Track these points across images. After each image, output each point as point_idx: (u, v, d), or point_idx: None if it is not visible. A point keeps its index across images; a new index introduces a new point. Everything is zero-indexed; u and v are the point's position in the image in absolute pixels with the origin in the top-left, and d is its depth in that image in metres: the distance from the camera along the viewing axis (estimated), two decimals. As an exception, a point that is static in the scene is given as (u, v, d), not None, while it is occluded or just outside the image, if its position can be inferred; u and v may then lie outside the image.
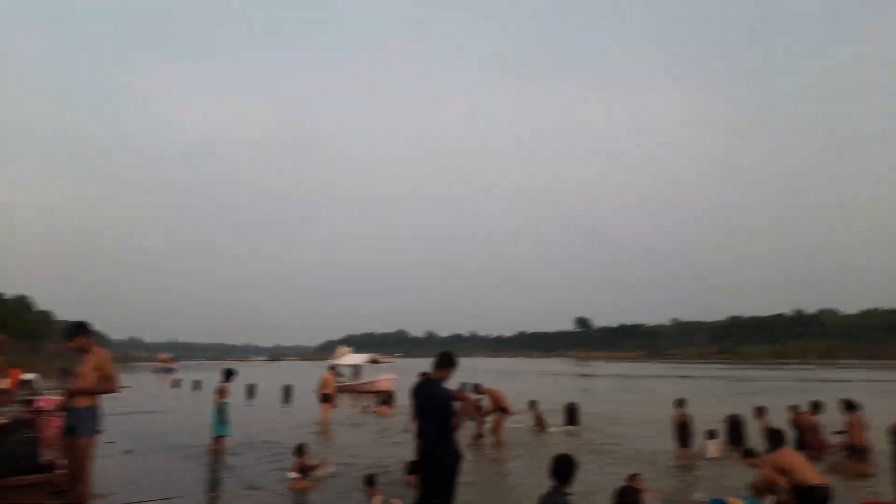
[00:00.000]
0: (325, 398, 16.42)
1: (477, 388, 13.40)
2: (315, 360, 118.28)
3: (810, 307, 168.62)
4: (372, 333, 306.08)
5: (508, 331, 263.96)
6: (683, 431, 10.91)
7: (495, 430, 12.60)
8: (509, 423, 14.06)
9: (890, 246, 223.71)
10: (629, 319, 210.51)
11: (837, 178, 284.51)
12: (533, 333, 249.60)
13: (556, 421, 15.36)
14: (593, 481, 8.53)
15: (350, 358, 33.81)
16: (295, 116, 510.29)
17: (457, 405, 5.47)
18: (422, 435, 5.32)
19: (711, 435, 10.93)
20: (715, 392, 29.03)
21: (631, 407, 21.06)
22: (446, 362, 5.43)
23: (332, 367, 19.78)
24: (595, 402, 23.39)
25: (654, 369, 64.70)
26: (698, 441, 11.06)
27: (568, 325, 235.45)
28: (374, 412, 18.92)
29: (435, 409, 5.25)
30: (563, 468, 3.81)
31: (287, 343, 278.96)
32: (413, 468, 8.37)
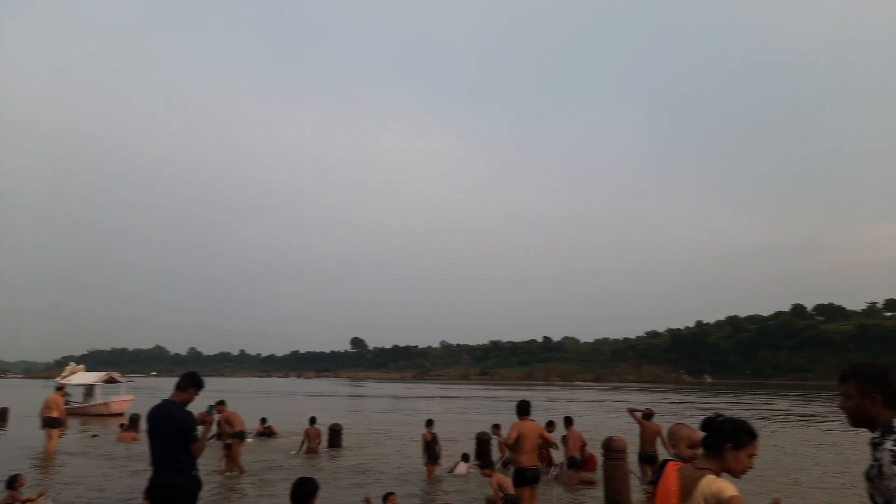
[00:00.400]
0: (50, 422, 14.08)
1: (217, 409, 12.27)
2: (46, 378, 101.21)
3: (556, 335, 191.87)
4: (125, 349, 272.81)
5: (280, 350, 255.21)
6: (431, 449, 11.37)
7: (232, 455, 11.49)
8: (266, 443, 13.30)
9: (614, 286, 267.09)
10: (402, 341, 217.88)
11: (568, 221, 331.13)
12: (307, 353, 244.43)
13: (321, 442, 15.10)
14: (345, 502, 8.45)
15: (81, 377, 29.48)
16: None
17: (199, 430, 4.96)
18: (156, 462, 4.76)
19: (464, 457, 11.75)
20: (474, 410, 31.17)
21: (396, 426, 21.56)
22: (189, 383, 4.96)
23: (61, 388, 17.09)
24: (362, 421, 23.58)
25: (422, 390, 67.49)
26: (450, 458, 11.72)
27: (343, 346, 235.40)
28: (118, 438, 16.68)
29: (172, 434, 4.73)
30: (301, 491, 3.70)
31: (11, 359, 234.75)
32: (147, 496, 7.50)
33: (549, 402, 37.49)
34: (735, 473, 2.69)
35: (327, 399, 46.08)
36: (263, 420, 18.27)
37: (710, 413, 2.87)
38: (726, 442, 2.66)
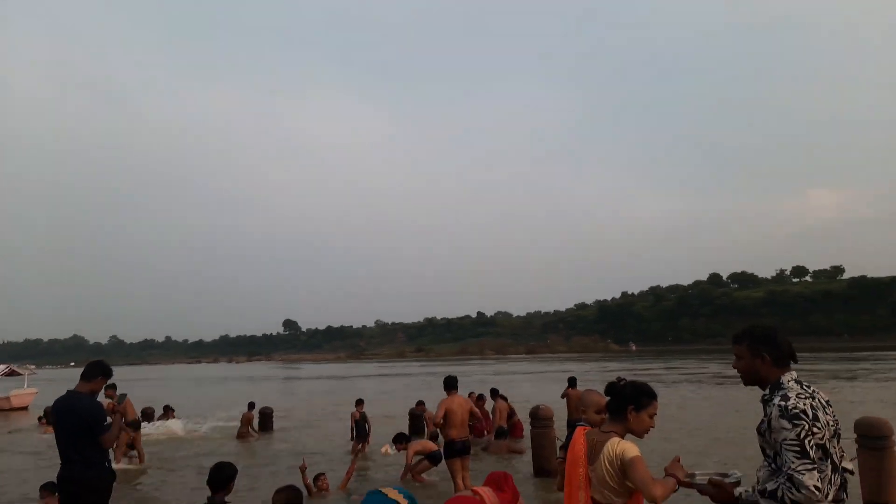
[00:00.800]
0: None
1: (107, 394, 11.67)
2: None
3: (489, 310, 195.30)
4: (39, 340, 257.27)
5: (209, 335, 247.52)
6: (360, 428, 11.42)
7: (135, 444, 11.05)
8: (205, 431, 12.93)
9: (545, 261, 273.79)
10: (335, 322, 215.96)
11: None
12: (237, 337, 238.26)
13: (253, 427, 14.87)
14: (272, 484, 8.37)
15: None
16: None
17: (109, 420, 4.74)
18: (63, 455, 4.55)
19: (397, 438, 11.86)
20: (410, 388, 31.41)
21: (331, 407, 21.47)
22: (96, 372, 4.72)
23: None
24: (296, 403, 23.33)
25: (359, 369, 67.33)
26: (386, 437, 11.79)
27: (276, 329, 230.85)
28: (44, 431, 15.90)
29: (79, 426, 4.51)
30: (218, 475, 3.66)
31: None
32: (51, 490, 7.17)
33: (484, 376, 38.27)
34: (638, 433, 2.85)
35: (264, 383, 45.23)
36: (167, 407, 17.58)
37: (614, 378, 3.02)
38: (628, 404, 2.82)
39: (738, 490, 2.44)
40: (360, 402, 11.64)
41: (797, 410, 2.38)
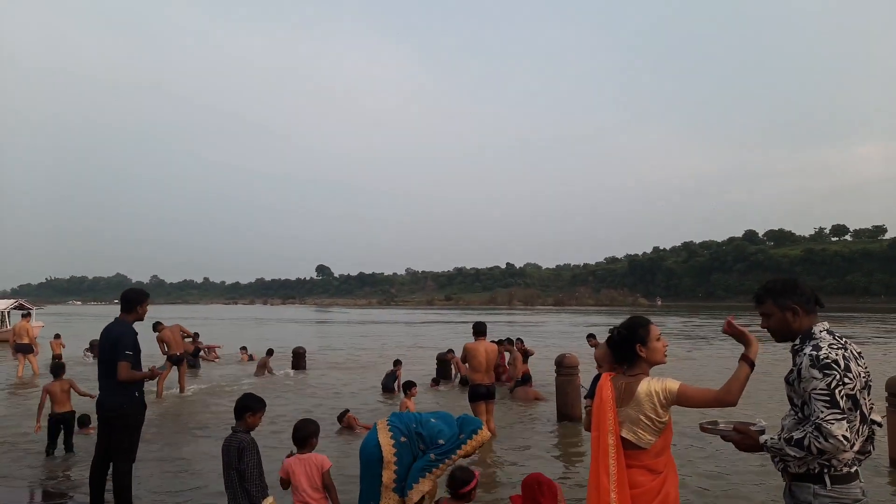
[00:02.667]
0: (22, 348, 14.52)
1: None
2: None
3: (519, 262, 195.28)
4: (84, 277, 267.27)
5: (245, 278, 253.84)
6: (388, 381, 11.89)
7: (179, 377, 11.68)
8: (237, 369, 13.45)
9: (576, 214, 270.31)
10: (367, 269, 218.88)
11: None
12: (272, 280, 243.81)
13: (285, 365, 15.45)
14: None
15: None
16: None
17: (133, 350, 4.74)
18: (101, 381, 4.76)
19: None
20: (442, 335, 31.96)
21: (362, 351, 22.01)
22: (129, 304, 4.85)
23: (28, 314, 16.88)
24: (329, 346, 23.98)
25: (389, 315, 68.56)
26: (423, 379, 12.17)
27: (309, 273, 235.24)
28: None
29: (111, 352, 4.65)
30: (241, 406, 3.82)
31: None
32: (85, 419, 7.60)
33: (508, 326, 38.65)
34: (659, 360, 2.85)
35: (299, 326, 46.49)
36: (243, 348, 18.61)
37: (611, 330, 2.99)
38: (634, 344, 2.83)
39: (762, 438, 2.45)
40: (398, 363, 12.30)
41: (829, 360, 2.36)
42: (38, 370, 14.43)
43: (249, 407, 3.82)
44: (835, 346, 2.42)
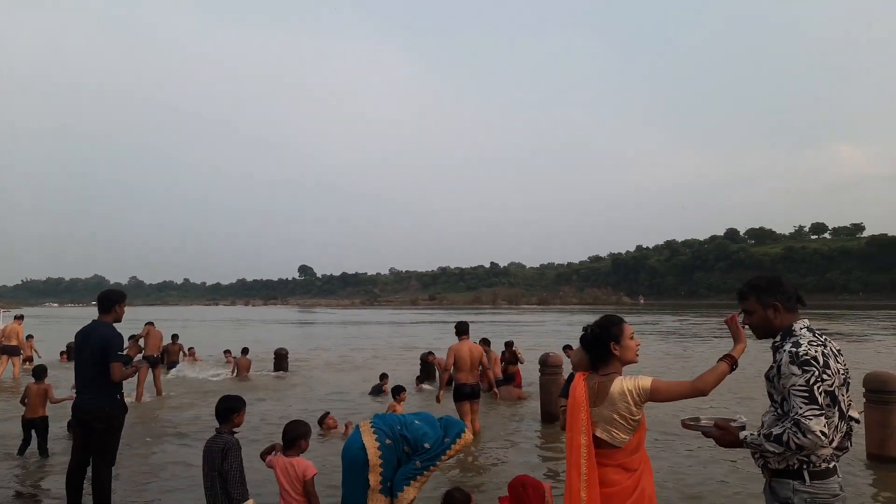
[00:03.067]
0: (10, 350, 14.47)
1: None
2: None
3: (503, 261, 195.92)
4: (61, 279, 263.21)
5: (226, 279, 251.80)
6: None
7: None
8: (218, 371, 13.34)
9: (559, 214, 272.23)
10: (350, 269, 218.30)
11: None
12: (253, 281, 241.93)
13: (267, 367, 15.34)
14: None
15: None
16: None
17: (125, 350, 4.83)
18: (78, 383, 4.71)
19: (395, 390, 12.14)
20: (431, 335, 31.94)
21: (347, 352, 21.92)
22: (106, 304, 4.81)
23: (20, 317, 16.81)
24: (316, 347, 23.84)
25: (373, 315, 68.36)
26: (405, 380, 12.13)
27: (291, 274, 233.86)
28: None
29: (91, 353, 4.60)
30: (224, 408, 3.77)
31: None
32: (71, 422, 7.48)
33: (491, 325, 38.75)
34: (631, 359, 2.88)
35: (281, 327, 46.18)
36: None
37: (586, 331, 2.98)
38: (608, 342, 2.84)
39: (742, 434, 2.48)
40: (384, 376, 11.96)
41: (808, 357, 2.39)
42: (19, 374, 14.26)
43: (234, 408, 3.79)
44: (814, 343, 2.45)
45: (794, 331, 2.53)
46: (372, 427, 3.76)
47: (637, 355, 2.91)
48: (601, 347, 2.86)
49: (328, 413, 8.00)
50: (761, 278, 2.73)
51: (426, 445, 3.67)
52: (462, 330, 7.75)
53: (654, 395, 2.69)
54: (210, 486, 3.62)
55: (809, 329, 2.54)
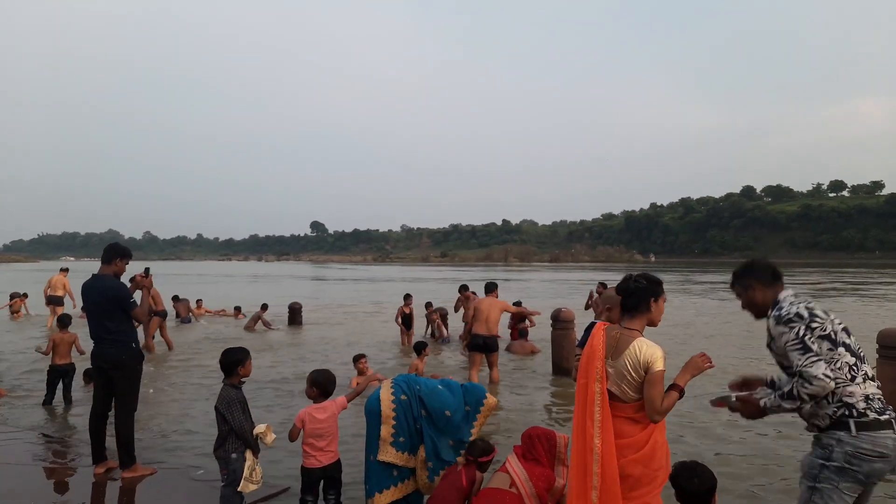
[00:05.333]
0: (55, 300, 15.29)
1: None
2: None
3: (515, 218, 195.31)
4: (76, 234, 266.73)
5: (239, 234, 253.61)
6: (407, 320, 12.34)
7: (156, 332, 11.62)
8: (228, 323, 13.51)
9: (572, 171, 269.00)
10: (362, 225, 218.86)
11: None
12: (266, 237, 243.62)
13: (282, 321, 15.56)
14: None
15: None
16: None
17: (137, 295, 4.94)
18: (93, 335, 4.81)
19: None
20: (436, 291, 32.17)
21: (360, 305, 22.15)
22: (113, 254, 4.90)
23: (66, 269, 17.81)
24: (324, 302, 24.10)
25: (385, 272, 68.82)
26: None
27: (303, 230, 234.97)
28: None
29: (105, 305, 4.71)
30: (229, 361, 3.82)
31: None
32: (88, 372, 7.67)
33: (504, 282, 38.88)
34: (657, 321, 2.91)
35: (296, 281, 46.66)
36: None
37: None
38: (650, 296, 2.86)
39: (762, 401, 2.58)
40: (408, 297, 12.57)
41: (790, 315, 2.54)
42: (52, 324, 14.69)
43: (239, 360, 3.83)
44: (795, 303, 2.59)
45: (778, 300, 2.68)
46: (392, 383, 3.85)
47: (659, 321, 2.95)
48: (640, 299, 2.86)
49: (363, 355, 8.03)
50: (738, 266, 2.95)
51: (447, 413, 3.73)
52: (489, 288, 8.54)
53: (648, 380, 2.69)
54: (220, 440, 3.73)
55: (795, 296, 2.68)
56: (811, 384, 2.34)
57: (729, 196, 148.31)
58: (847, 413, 2.41)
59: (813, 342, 2.42)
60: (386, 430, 3.65)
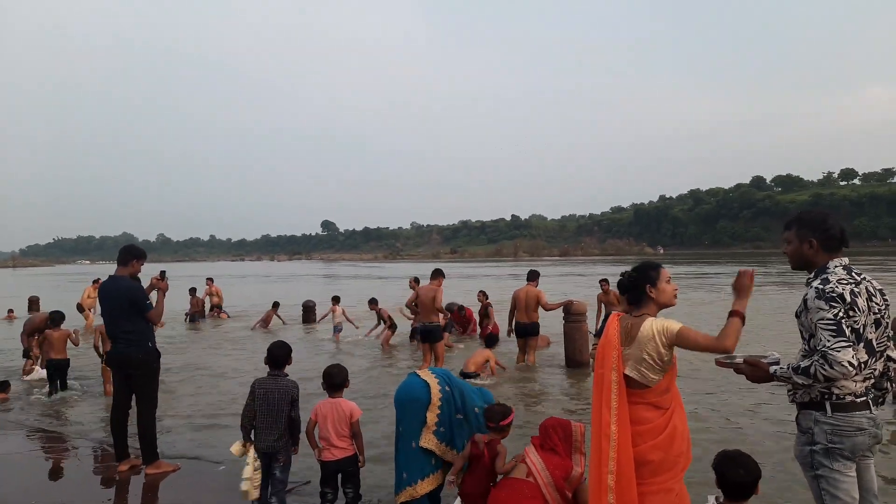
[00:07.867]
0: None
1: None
2: (13, 267, 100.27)
3: (524, 214, 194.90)
4: (91, 237, 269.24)
5: (251, 235, 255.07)
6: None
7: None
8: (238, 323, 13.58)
9: (581, 165, 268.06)
10: (372, 224, 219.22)
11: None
12: (278, 236, 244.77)
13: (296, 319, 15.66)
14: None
15: None
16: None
17: (153, 296, 5.03)
18: (110, 335, 4.95)
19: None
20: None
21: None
22: (127, 257, 5.03)
23: (97, 280, 17.89)
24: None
25: (398, 269, 68.90)
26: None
27: (314, 229, 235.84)
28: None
29: (120, 306, 4.82)
30: (276, 354, 3.95)
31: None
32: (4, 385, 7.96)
33: (511, 278, 38.85)
34: (668, 303, 2.94)
35: (308, 280, 46.83)
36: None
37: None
38: (644, 285, 2.91)
39: (773, 368, 2.50)
40: (373, 301, 12.71)
41: (834, 294, 2.42)
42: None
43: (289, 353, 4.05)
44: (844, 282, 2.47)
45: (827, 268, 2.55)
46: (432, 372, 3.91)
47: (675, 298, 2.97)
48: (637, 290, 2.93)
49: (375, 300, 8.32)
50: (810, 212, 2.75)
51: (476, 409, 3.82)
52: (530, 277, 9.31)
53: (681, 340, 2.73)
54: (270, 426, 3.84)
55: (846, 268, 2.54)
56: (833, 368, 2.30)
57: (739, 187, 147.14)
58: (827, 395, 2.43)
59: (847, 327, 2.36)
60: (432, 418, 3.69)
